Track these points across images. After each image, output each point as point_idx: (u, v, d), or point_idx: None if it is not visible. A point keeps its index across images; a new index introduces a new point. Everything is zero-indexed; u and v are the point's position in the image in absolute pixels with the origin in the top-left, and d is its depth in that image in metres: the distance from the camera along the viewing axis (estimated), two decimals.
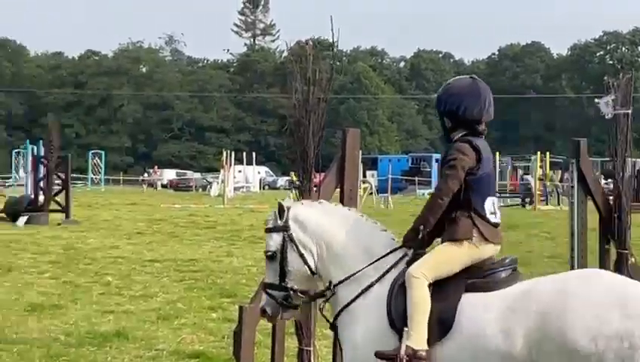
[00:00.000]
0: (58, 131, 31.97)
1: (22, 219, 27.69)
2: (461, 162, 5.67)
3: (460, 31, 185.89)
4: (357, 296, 5.72)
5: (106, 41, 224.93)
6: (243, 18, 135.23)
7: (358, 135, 8.27)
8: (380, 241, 5.92)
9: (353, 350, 5.67)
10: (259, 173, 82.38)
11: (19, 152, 71.10)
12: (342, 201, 8.06)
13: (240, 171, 74.82)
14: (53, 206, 29.43)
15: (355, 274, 5.78)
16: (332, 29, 7.85)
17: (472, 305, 5.42)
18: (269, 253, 6.05)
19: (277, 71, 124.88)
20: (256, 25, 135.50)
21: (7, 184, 69.43)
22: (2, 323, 11.48)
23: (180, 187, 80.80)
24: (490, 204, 5.75)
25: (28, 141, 62.70)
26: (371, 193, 45.90)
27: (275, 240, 6.03)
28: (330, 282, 5.90)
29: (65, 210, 29.29)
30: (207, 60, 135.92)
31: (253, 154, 77.05)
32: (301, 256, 5.92)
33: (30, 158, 46.63)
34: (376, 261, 5.77)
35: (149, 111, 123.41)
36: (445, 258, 5.61)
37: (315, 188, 7.98)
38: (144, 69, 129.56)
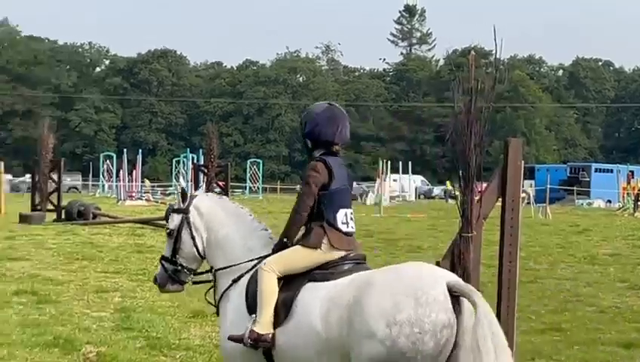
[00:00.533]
0: (217, 140, 32.40)
1: None
2: (314, 179, 6.58)
3: (620, 38, 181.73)
4: (230, 285, 6.64)
5: (264, 51, 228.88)
6: (399, 27, 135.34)
7: (520, 145, 8.17)
8: (259, 240, 6.88)
9: (223, 333, 6.56)
10: (414, 182, 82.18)
11: (179, 161, 72.64)
12: (503, 212, 7.98)
13: (395, 180, 74.80)
14: None
15: (234, 265, 6.70)
16: (495, 39, 7.78)
17: (307, 293, 6.24)
18: (168, 230, 7.05)
19: (433, 80, 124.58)
20: (412, 34, 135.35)
21: (167, 192, 70.97)
22: (165, 330, 11.71)
23: None
24: (343, 215, 6.59)
25: (188, 150, 64.07)
26: (528, 203, 45.27)
27: (175, 221, 7.00)
28: (212, 267, 6.89)
29: None
30: (364, 69, 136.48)
31: (409, 163, 76.96)
32: (192, 238, 6.88)
33: (190, 167, 47.65)
34: (256, 260, 6.63)
35: None
36: (295, 258, 6.43)
37: (476, 198, 7.90)
38: (301, 79, 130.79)
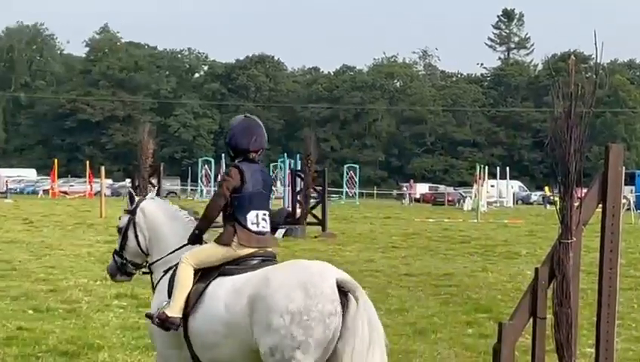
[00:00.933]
0: (314, 145, 32.46)
1: (280, 232, 28.33)
2: (227, 183, 7.33)
3: None
4: (162, 276, 7.48)
5: (361, 56, 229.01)
6: (497, 32, 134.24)
7: (621, 151, 8.05)
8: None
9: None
10: (512, 187, 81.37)
11: (276, 166, 73.10)
12: (604, 218, 7.87)
13: (493, 186, 74.20)
14: (310, 219, 30.02)
15: (162, 258, 7.58)
16: (595, 43, 7.68)
17: (216, 285, 7.01)
18: (118, 228, 8.02)
19: (531, 85, 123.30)
20: (510, 38, 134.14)
21: None
22: None
23: (437, 201, 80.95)
24: (254, 216, 7.30)
25: (285, 155, 64.31)
26: (628, 209, 44.53)
27: (124, 220, 7.95)
28: (147, 261, 7.82)
29: (321, 223, 29.83)
30: (461, 74, 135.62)
31: (507, 168, 76.28)
32: (136, 236, 7.81)
33: (287, 172, 47.87)
34: (174, 251, 7.51)
35: (403, 126, 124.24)
36: (209, 254, 7.24)
37: (576, 204, 7.81)
38: (398, 84, 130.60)
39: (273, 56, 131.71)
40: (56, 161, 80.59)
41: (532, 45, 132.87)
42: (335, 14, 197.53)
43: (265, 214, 7.39)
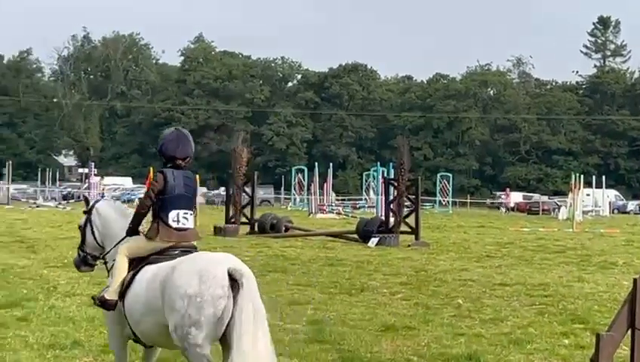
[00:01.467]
0: (407, 154, 32.35)
1: (373, 240, 28.33)
2: (152, 187, 8.59)
3: None
4: (112, 266, 8.69)
5: (455, 64, 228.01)
6: (593, 39, 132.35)
7: None
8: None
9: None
10: (608, 196, 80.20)
11: (369, 174, 73.08)
12: None
13: (588, 194, 73.25)
14: (403, 227, 29.96)
15: (111, 249, 8.89)
16: None
17: (143, 272, 8.25)
18: (78, 226, 9.39)
19: (628, 93, 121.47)
20: (606, 46, 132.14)
21: (357, 205, 71.46)
22: (356, 343, 11.77)
23: (532, 210, 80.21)
24: (175, 215, 8.51)
25: (378, 163, 64.34)
26: None
27: (82, 219, 9.30)
28: (101, 253, 9.14)
29: (415, 231, 29.74)
30: (556, 82, 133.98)
31: (603, 177, 75.25)
32: (92, 233, 9.13)
33: (380, 180, 47.85)
34: (118, 242, 8.80)
35: (497, 134, 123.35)
36: (138, 246, 8.54)
37: None
38: (492, 92, 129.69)
39: (366, 65, 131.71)
40: (151, 168, 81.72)
41: (629, 53, 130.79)
42: (428, 22, 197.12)
43: (186, 213, 8.61)
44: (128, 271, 8.43)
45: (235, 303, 7.60)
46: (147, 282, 8.08)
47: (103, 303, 8.48)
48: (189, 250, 8.55)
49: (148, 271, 8.20)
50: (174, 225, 8.50)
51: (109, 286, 8.49)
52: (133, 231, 8.72)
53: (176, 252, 8.41)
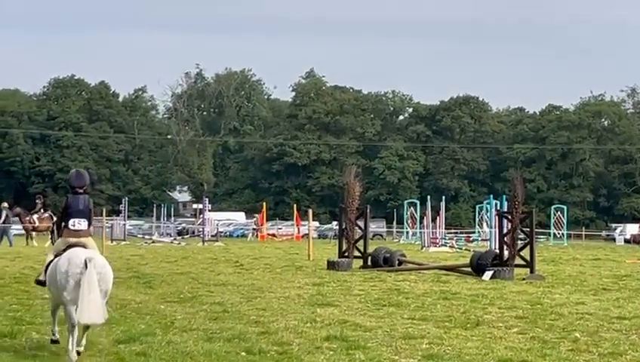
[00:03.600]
0: (521, 186, 31.97)
1: (488, 274, 28.06)
2: (62, 205, 13.57)
3: None
4: (52, 260, 13.21)
5: (568, 95, 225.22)
6: None
7: None
8: None
9: None
10: None
11: (482, 207, 72.47)
12: None
13: None
14: (517, 261, 29.62)
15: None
16: None
17: (58, 259, 12.90)
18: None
19: None
20: None
21: (471, 238, 70.92)
22: None
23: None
24: (73, 221, 13.22)
25: (491, 196, 63.77)
26: None
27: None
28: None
29: (529, 264, 29.38)
30: None
31: None
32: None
33: (493, 213, 47.41)
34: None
35: (611, 165, 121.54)
36: (57, 244, 13.48)
37: None
38: (606, 123, 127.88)
39: (477, 97, 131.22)
40: (264, 203, 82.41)
41: None
42: (539, 53, 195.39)
43: (80, 220, 13.33)
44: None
45: (83, 276, 12.36)
46: (57, 265, 12.83)
47: (38, 282, 13.99)
48: (80, 245, 13.09)
49: (59, 259, 12.93)
50: (72, 227, 13.30)
51: (42, 272, 13.77)
52: (57, 235, 13.76)
53: (74, 246, 13.05)
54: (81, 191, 13.48)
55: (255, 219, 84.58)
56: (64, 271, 12.43)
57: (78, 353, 12.48)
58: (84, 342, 12.86)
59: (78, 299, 12.12)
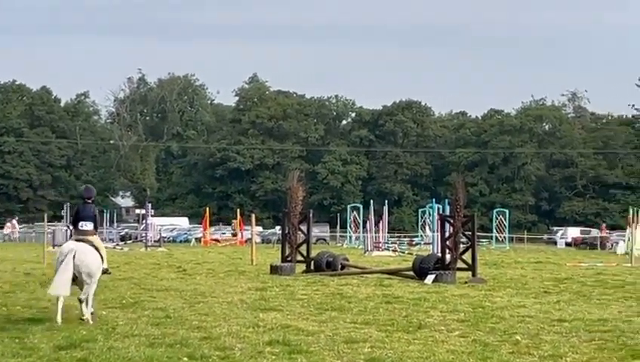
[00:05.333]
0: (463, 190, 32.18)
1: (430, 277, 28.21)
2: (75, 211, 18.33)
3: None
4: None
5: (509, 99, 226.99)
6: None
7: None
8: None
9: None
10: None
11: (424, 211, 72.83)
12: None
13: None
14: (459, 264, 29.81)
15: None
16: None
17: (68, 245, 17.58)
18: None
19: None
20: None
21: (414, 242, 71.29)
22: None
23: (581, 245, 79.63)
24: (82, 223, 17.42)
25: (433, 200, 64.13)
26: None
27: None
28: None
29: (471, 268, 29.58)
30: (612, 116, 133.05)
31: None
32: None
33: (436, 217, 47.70)
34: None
35: (553, 169, 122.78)
36: (71, 238, 18.67)
37: None
38: (547, 127, 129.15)
39: (420, 102, 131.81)
40: (207, 209, 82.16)
41: None
42: (481, 58, 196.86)
43: (87, 223, 17.51)
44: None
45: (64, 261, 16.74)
46: (64, 248, 17.33)
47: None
48: (83, 240, 17.25)
49: (68, 244, 17.52)
50: (81, 228, 17.49)
51: None
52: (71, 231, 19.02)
53: (78, 240, 17.30)
54: (90, 201, 17.97)
55: (233, 224, 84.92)
56: (57, 256, 17.24)
57: (81, 319, 16.80)
58: (87, 309, 17.02)
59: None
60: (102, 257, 17.32)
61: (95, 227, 17.68)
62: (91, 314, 17.00)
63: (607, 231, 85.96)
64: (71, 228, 19.23)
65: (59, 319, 16.31)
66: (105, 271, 17.69)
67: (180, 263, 38.11)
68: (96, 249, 17.26)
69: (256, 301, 21.03)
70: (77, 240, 17.28)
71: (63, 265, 16.54)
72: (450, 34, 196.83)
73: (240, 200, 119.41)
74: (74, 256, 16.63)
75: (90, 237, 17.36)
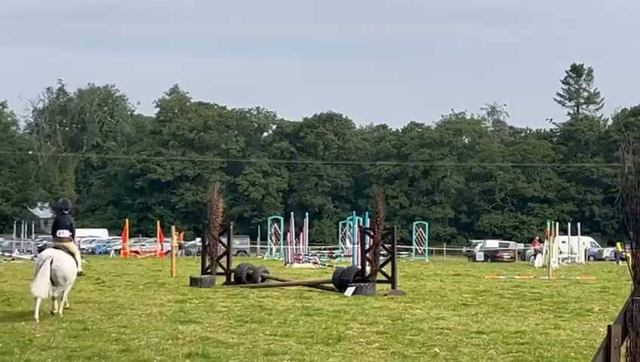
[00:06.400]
0: (383, 202, 32.33)
1: (350, 290, 28.27)
2: (54, 221, 21.59)
3: None
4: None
5: (429, 113, 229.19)
6: (566, 87, 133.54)
7: None
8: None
9: None
10: (583, 243, 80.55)
11: (345, 223, 73.08)
12: None
13: (564, 242, 73.57)
14: (379, 276, 29.93)
15: None
16: None
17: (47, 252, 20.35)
18: None
19: (601, 140, 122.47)
20: (579, 93, 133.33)
21: (334, 254, 71.46)
22: None
23: (497, 258, 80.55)
24: (60, 231, 20.42)
25: (354, 212, 64.42)
26: None
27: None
28: None
29: (391, 280, 29.71)
30: (530, 130, 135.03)
31: (578, 224, 75.61)
32: None
33: (356, 229, 47.88)
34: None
35: (472, 182, 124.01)
36: (50, 244, 22.51)
37: None
38: (466, 140, 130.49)
39: (341, 114, 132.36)
40: (127, 220, 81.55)
41: (602, 100, 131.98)
42: (402, 72, 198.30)
43: (64, 231, 20.19)
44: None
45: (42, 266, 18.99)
46: (43, 254, 19.83)
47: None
48: (59, 247, 19.83)
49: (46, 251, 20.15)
50: (59, 235, 20.22)
51: None
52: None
53: (55, 246, 19.93)
54: (67, 212, 20.96)
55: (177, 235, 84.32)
56: (37, 260, 20.23)
57: (52, 313, 19.57)
58: (59, 305, 19.90)
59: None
60: (77, 262, 20.28)
61: (72, 235, 20.65)
62: (64, 309, 20.29)
63: (540, 245, 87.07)
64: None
65: (36, 316, 18.62)
66: (79, 274, 20.63)
67: (99, 275, 37.76)
68: (72, 254, 20.09)
69: (176, 313, 20.90)
70: (55, 246, 20.04)
71: (41, 270, 19.04)
72: (372, 46, 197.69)
73: (160, 211, 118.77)
74: (51, 262, 19.13)
75: (66, 244, 20.20)
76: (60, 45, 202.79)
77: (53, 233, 20.58)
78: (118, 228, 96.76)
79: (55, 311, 19.65)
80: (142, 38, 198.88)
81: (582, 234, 78.17)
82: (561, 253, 67.36)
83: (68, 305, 20.70)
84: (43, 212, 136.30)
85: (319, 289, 30.28)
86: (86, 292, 27.52)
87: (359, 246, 36.22)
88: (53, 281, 19.16)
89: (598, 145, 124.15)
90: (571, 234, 73.97)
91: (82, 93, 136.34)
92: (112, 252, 79.99)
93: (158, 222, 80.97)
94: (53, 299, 19.68)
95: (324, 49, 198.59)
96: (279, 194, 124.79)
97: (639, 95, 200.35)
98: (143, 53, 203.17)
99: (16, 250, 74.67)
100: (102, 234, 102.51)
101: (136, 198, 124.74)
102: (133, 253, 75.37)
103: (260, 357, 14.40)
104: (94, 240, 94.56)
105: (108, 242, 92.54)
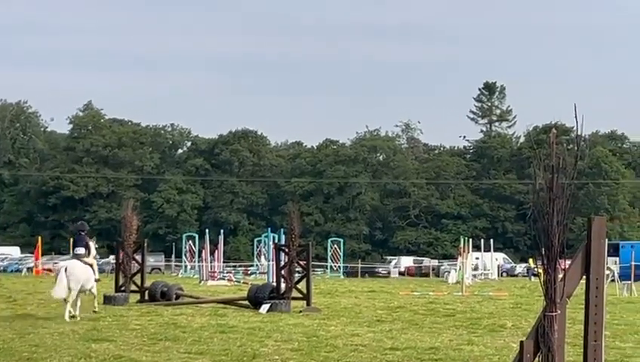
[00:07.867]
0: (298, 219, 32.34)
1: (264, 307, 28.22)
2: (73, 240, 27.35)
3: None
4: None
5: (344, 130, 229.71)
6: (479, 105, 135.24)
7: (604, 224, 8.10)
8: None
9: None
10: (496, 259, 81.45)
11: (260, 240, 72.94)
12: (587, 290, 7.87)
13: (477, 258, 74.29)
14: (294, 293, 29.92)
15: None
16: (575, 116, 7.79)
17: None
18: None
19: (514, 157, 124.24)
20: (492, 111, 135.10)
21: (249, 271, 71.25)
22: None
23: (422, 273, 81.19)
24: (77, 249, 25.61)
25: (269, 229, 64.33)
26: (613, 280, 44.44)
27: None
28: None
29: (306, 297, 29.73)
30: (444, 147, 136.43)
31: (491, 240, 76.44)
32: None
33: (271, 246, 47.83)
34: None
35: (387, 199, 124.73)
36: (70, 258, 27.79)
37: (560, 276, 7.84)
38: (381, 157, 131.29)
39: (256, 131, 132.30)
40: (40, 238, 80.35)
41: (514, 118, 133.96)
42: (317, 89, 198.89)
43: (79, 248, 25.44)
44: None
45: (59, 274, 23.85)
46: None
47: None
48: (76, 260, 24.71)
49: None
50: (76, 251, 25.23)
51: None
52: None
53: (73, 259, 24.93)
54: (83, 233, 26.11)
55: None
56: (57, 268, 25.90)
57: (73, 316, 23.43)
58: (67, 309, 23.42)
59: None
60: (94, 271, 25.21)
61: (88, 252, 25.56)
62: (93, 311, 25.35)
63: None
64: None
65: (66, 317, 23.23)
66: (97, 280, 25.53)
67: (11, 293, 37.18)
68: (89, 264, 25.07)
69: (89, 331, 20.64)
70: (72, 258, 25.60)
71: (59, 278, 23.81)
72: (286, 63, 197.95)
73: (74, 229, 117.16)
74: (65, 270, 23.93)
75: (82, 259, 25.00)
76: None
77: (73, 250, 26.11)
78: (30, 245, 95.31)
79: (73, 314, 23.81)
80: (55, 53, 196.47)
81: (495, 251, 78.97)
82: (475, 269, 68.09)
83: (97, 308, 25.84)
84: None
85: (234, 307, 30.18)
86: None
87: (274, 263, 36.18)
88: (68, 286, 23.70)
89: (510, 162, 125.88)
90: (484, 251, 74.71)
91: None
92: (25, 270, 78.72)
93: (72, 239, 79.93)
94: (65, 301, 23.82)
95: (239, 66, 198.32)
96: (194, 211, 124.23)
97: (550, 112, 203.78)
98: (57, 69, 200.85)
99: None
100: (14, 251, 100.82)
101: (49, 216, 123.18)
102: (45, 271, 74.23)
103: None
104: (6, 258, 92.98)
105: (20, 260, 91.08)
